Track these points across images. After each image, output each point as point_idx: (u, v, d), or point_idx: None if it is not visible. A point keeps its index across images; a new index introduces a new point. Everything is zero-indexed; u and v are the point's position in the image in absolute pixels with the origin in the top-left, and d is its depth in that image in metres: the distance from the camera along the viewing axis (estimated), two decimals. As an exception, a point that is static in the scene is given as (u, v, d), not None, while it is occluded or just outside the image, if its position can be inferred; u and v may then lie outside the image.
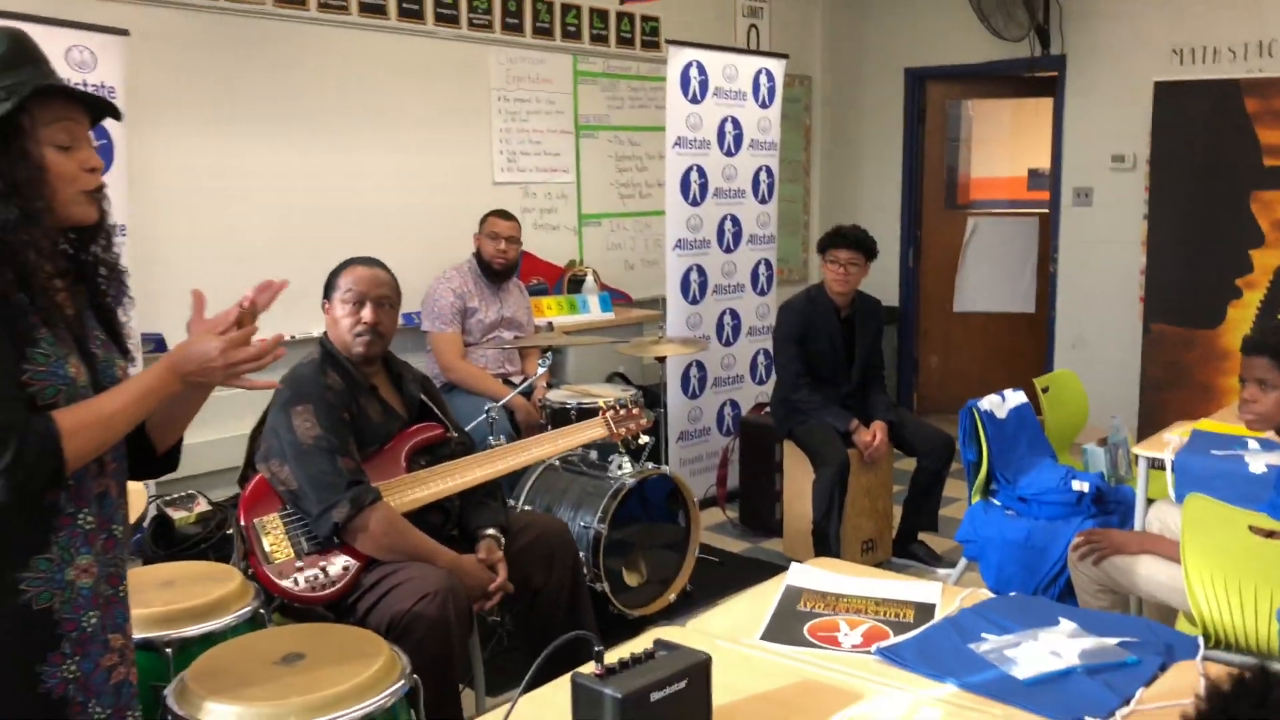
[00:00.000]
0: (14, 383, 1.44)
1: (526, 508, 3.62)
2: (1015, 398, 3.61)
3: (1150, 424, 5.09)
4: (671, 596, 3.72)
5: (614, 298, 5.45)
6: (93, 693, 1.54)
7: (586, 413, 3.85)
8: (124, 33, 3.57)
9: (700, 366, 5.07)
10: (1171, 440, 3.18)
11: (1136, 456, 3.20)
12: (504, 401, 3.91)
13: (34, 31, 3.38)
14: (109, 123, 2.84)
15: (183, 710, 1.77)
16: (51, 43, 3.36)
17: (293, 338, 4.23)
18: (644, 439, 3.57)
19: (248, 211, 4.27)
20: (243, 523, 2.58)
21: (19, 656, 1.48)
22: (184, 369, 1.54)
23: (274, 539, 2.55)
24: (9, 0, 3.46)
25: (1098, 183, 6.08)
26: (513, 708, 1.45)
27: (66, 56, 3.39)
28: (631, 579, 3.63)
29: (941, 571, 4.10)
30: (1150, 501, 3.14)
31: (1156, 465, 3.14)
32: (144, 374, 1.54)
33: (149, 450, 1.70)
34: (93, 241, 1.62)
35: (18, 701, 1.48)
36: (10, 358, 1.44)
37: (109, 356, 1.61)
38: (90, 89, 3.45)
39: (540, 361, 4.04)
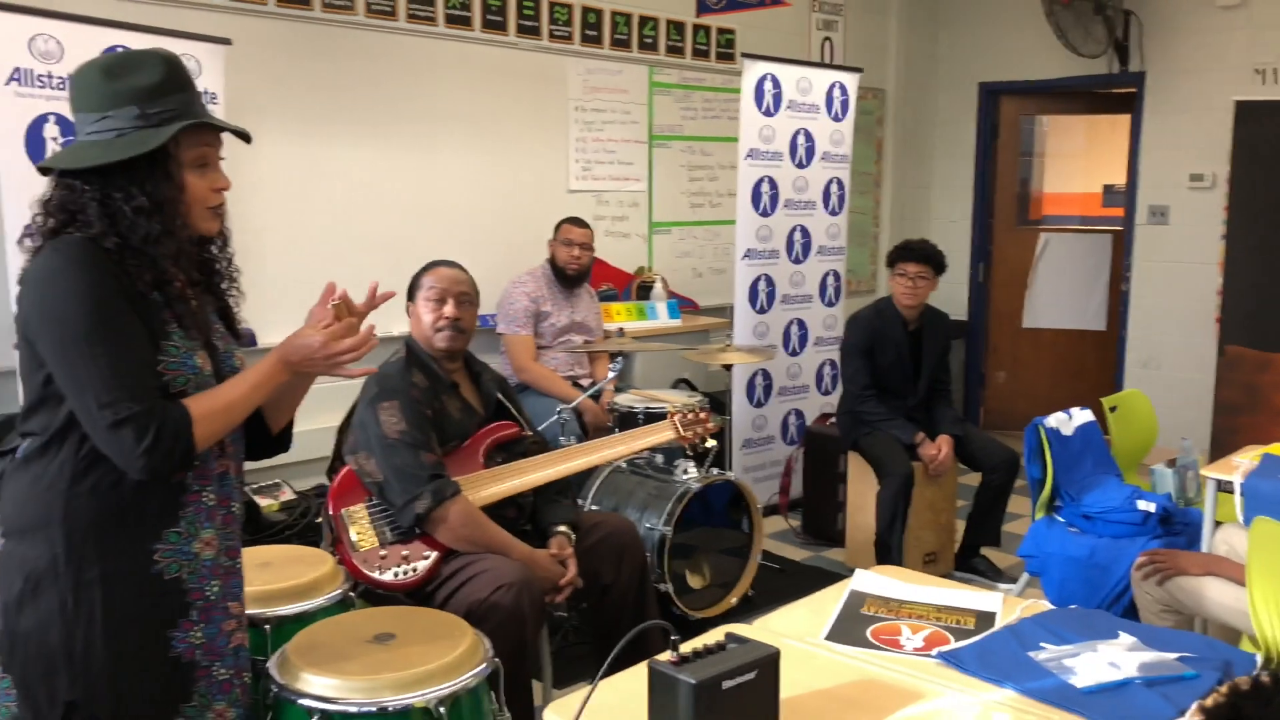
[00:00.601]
0: (153, 373, 1.58)
1: (594, 508, 3.72)
2: (1082, 416, 3.62)
3: (1223, 447, 5.01)
4: (733, 600, 3.79)
5: (682, 305, 5.54)
6: (216, 656, 1.69)
7: (653, 417, 3.94)
8: (227, 42, 3.76)
9: (766, 375, 5.13)
10: (1241, 464, 3.17)
11: (1205, 479, 3.20)
12: (574, 404, 4.02)
13: (146, 41, 3.61)
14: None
15: (284, 680, 1.91)
16: (162, 52, 3.56)
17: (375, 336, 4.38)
18: (710, 443, 3.64)
19: (336, 213, 4.45)
20: (331, 512, 2.72)
21: (154, 623, 1.63)
22: (291, 360, 1.68)
23: (360, 528, 2.69)
24: (126, 12, 3.67)
25: (1174, 201, 6.02)
26: (593, 690, 1.55)
27: (175, 65, 3.58)
28: (695, 581, 3.71)
29: (1003, 586, 4.11)
30: (1218, 524, 3.14)
31: (1225, 488, 3.13)
32: (258, 365, 1.68)
33: (264, 431, 1.84)
34: (210, 241, 1.77)
35: (152, 665, 1.63)
36: (149, 351, 1.59)
37: (228, 347, 1.77)
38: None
39: (610, 366, 4.15)
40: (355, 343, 1.68)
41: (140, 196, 1.58)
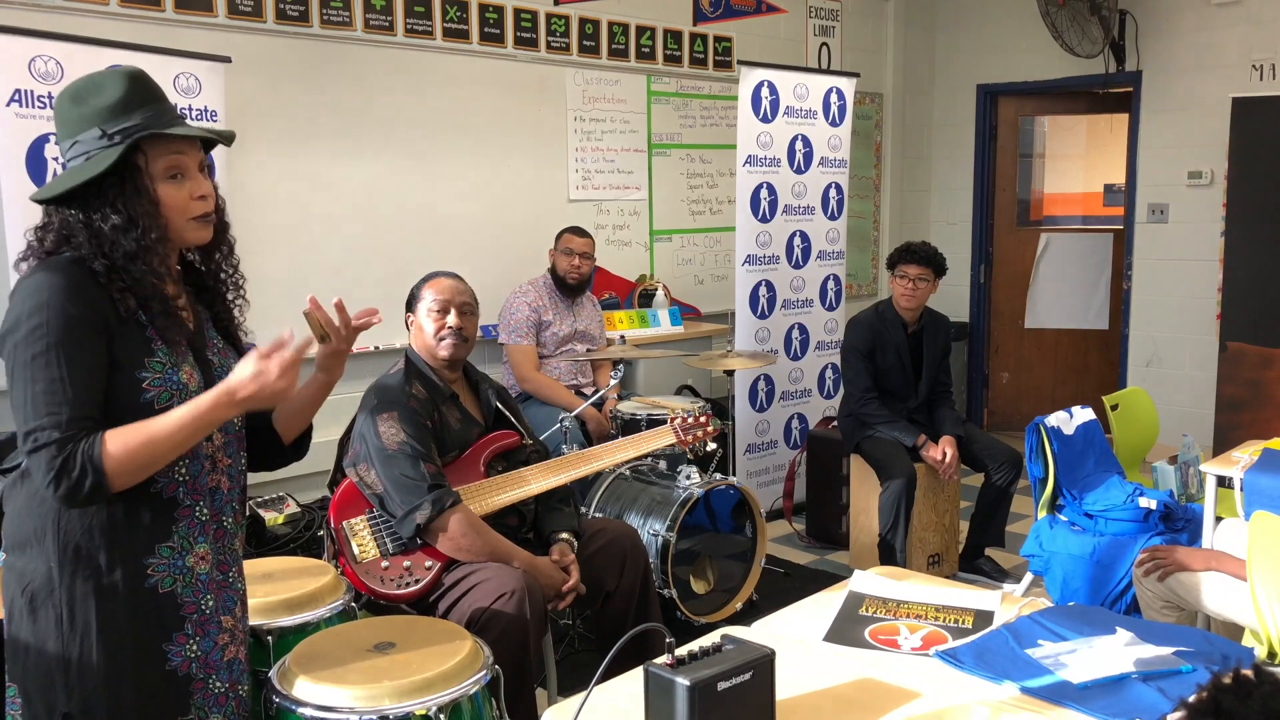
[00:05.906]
0: (95, 404, 1.56)
1: (597, 515, 3.73)
2: (1083, 414, 3.63)
3: (1225, 443, 5.02)
4: (738, 605, 3.79)
5: (683, 312, 5.56)
6: (211, 669, 1.70)
7: (656, 423, 3.95)
8: (226, 60, 3.79)
9: (768, 380, 5.14)
10: (1241, 459, 3.18)
11: (1206, 474, 3.20)
12: (577, 412, 4.03)
13: (146, 61, 3.64)
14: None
15: (285, 689, 1.92)
16: (162, 71, 3.59)
17: (377, 348, 4.42)
18: (712, 446, 3.65)
19: (336, 226, 4.48)
20: (333, 525, 2.74)
21: (149, 636, 1.64)
22: (238, 395, 1.58)
23: (361, 540, 2.70)
24: (126, 32, 3.70)
25: (1174, 199, 6.02)
26: (588, 694, 1.56)
27: (174, 83, 3.61)
28: (699, 587, 3.72)
29: (1008, 586, 4.11)
30: (1219, 519, 3.14)
31: (1226, 483, 3.14)
32: (198, 399, 1.60)
33: (277, 441, 1.85)
34: (215, 250, 1.77)
35: (148, 678, 1.64)
36: (98, 376, 1.57)
37: (224, 362, 1.76)
38: (194, 112, 3.68)
39: (612, 374, 4.17)
40: (285, 366, 1.57)
41: (114, 215, 1.58)
